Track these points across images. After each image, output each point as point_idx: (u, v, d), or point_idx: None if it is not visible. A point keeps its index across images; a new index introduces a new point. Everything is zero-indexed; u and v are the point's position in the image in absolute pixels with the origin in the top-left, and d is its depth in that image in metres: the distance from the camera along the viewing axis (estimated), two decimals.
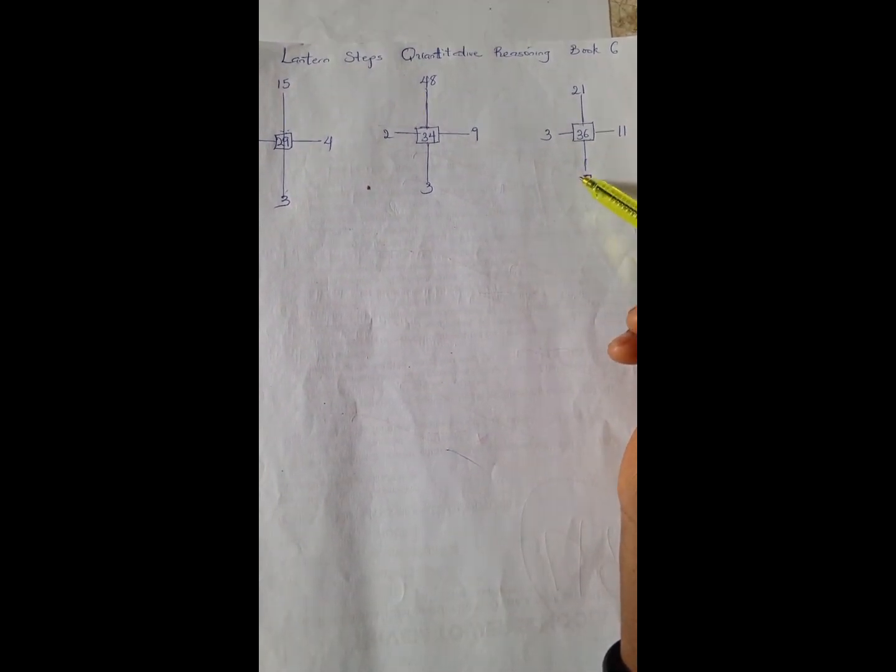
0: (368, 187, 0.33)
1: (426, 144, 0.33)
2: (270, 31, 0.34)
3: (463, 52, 0.34)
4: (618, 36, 0.35)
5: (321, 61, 0.34)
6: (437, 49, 0.34)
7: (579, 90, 0.34)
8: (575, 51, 0.35)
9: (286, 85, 0.34)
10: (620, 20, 0.35)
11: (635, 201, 0.32)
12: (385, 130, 0.33)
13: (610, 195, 0.32)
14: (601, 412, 0.31)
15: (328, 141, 0.33)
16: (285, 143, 0.33)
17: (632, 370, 0.31)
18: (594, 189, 0.32)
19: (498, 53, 0.34)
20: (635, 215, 0.31)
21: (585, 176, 0.33)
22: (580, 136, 0.34)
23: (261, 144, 0.33)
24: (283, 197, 0.33)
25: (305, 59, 0.34)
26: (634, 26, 0.35)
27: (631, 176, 0.33)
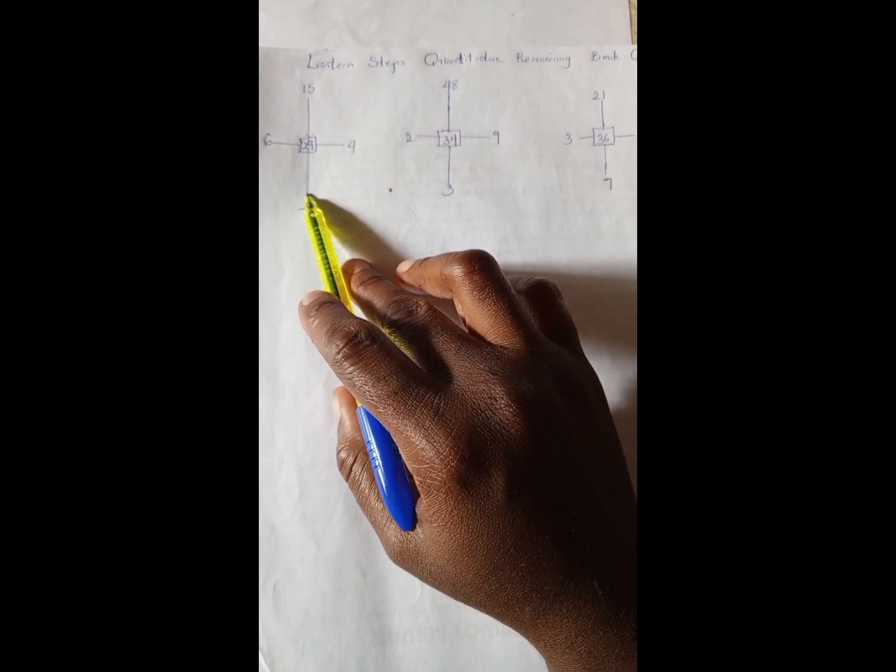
0: (390, 189, 0.33)
1: (448, 147, 0.34)
2: (297, 34, 0.35)
3: (485, 58, 0.35)
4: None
5: (345, 66, 0.34)
6: (460, 54, 0.35)
7: (600, 95, 0.35)
8: (595, 57, 0.35)
9: (311, 90, 0.34)
10: None
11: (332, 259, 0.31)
12: (407, 134, 0.34)
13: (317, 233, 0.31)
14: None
15: (352, 144, 0.34)
16: (310, 146, 0.34)
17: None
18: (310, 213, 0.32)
19: (520, 59, 0.35)
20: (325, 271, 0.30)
21: (309, 195, 0.33)
22: (601, 141, 0.34)
23: (286, 148, 0.34)
24: None
25: (330, 65, 0.34)
26: None
27: None
